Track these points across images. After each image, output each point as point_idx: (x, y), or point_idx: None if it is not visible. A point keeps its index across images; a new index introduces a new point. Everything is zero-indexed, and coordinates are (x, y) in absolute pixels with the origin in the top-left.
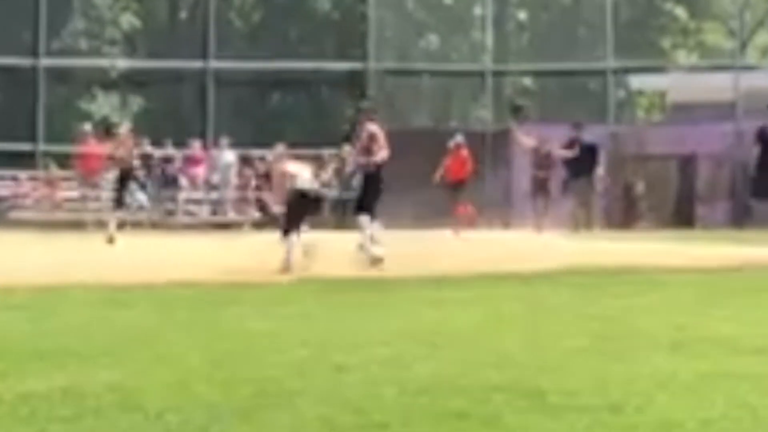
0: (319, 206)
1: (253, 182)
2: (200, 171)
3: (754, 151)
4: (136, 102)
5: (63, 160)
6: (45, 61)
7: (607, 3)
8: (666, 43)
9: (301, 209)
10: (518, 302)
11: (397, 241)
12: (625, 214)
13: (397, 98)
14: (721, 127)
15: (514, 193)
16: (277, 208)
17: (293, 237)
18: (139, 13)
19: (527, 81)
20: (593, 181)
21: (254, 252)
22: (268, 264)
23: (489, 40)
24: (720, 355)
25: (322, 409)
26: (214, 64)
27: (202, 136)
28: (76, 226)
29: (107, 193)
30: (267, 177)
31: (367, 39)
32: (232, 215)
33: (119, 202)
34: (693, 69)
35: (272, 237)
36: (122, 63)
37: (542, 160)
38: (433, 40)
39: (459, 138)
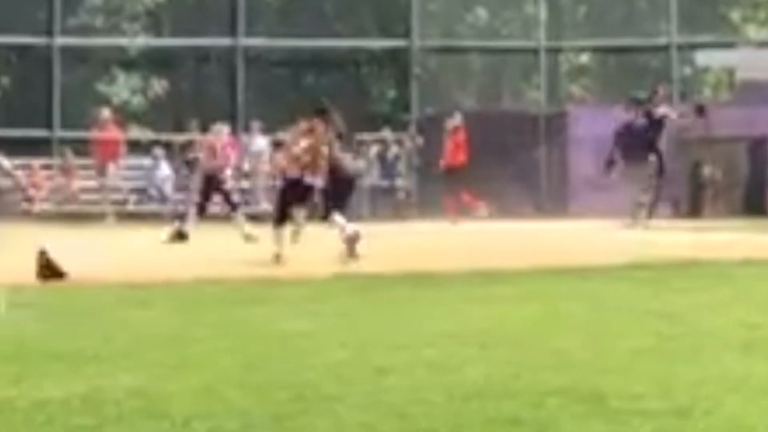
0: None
1: None
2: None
3: None
4: (159, 84)
5: (80, 147)
6: (60, 40)
7: None
8: (735, 16)
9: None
10: (576, 299)
11: (441, 234)
12: (690, 202)
13: (443, 78)
14: None
15: (572, 181)
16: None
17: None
18: None
19: (584, 58)
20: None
21: (288, 246)
22: (303, 258)
23: (542, 14)
24: None
25: (363, 416)
26: (243, 41)
27: (232, 120)
28: (94, 218)
29: (124, 183)
30: None
31: (410, 14)
32: (264, 205)
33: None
34: (764, 44)
35: (309, 229)
36: (144, 41)
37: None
38: (481, 14)
39: (457, 119)
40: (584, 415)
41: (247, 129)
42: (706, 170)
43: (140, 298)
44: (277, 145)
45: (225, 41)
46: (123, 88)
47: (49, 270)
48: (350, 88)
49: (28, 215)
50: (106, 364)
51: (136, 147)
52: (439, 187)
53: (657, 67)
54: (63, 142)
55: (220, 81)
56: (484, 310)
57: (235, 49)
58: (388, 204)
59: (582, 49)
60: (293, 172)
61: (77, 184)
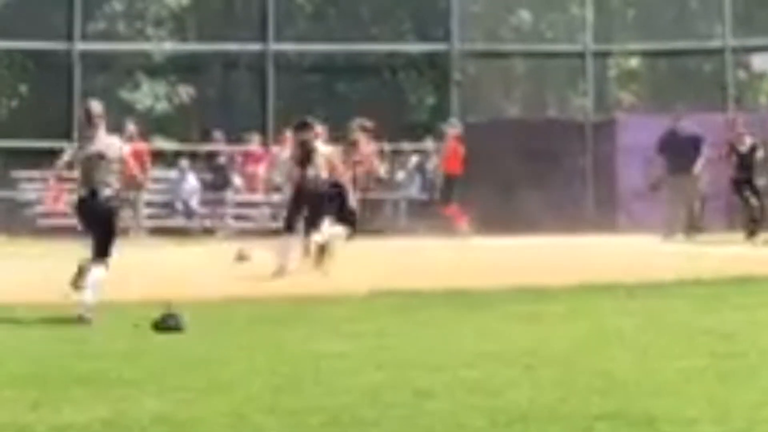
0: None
1: None
2: (259, 169)
3: None
4: (186, 91)
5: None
6: (81, 46)
7: None
8: None
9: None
10: (625, 317)
11: (484, 249)
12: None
13: (485, 84)
14: None
15: (621, 194)
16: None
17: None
18: None
19: (634, 63)
20: (694, 177)
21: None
22: (335, 276)
23: (589, 16)
24: None
25: None
26: (274, 46)
27: (262, 129)
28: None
29: (149, 196)
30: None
31: (450, 16)
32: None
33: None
34: None
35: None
36: (169, 46)
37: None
38: (525, 16)
39: (454, 125)
40: None
41: (278, 139)
42: (761, 181)
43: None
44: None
45: (254, 46)
46: (147, 95)
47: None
48: (387, 95)
49: (47, 230)
50: (129, 387)
51: (160, 157)
52: (480, 201)
53: (711, 72)
54: None
55: (249, 88)
56: (528, 329)
57: (266, 55)
58: (428, 218)
59: (631, 53)
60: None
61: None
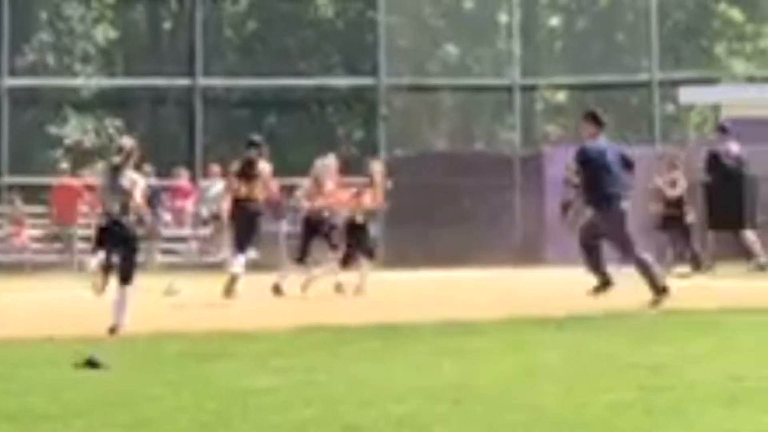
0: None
1: None
2: (187, 204)
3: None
4: (114, 125)
5: (30, 194)
6: (8, 81)
7: (651, 5)
8: (720, 50)
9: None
10: (553, 350)
11: (412, 282)
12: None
13: (413, 118)
14: None
15: (549, 226)
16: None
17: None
18: (115, 23)
19: (561, 96)
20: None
21: (249, 296)
22: (268, 309)
23: (516, 50)
24: None
25: None
26: (202, 81)
27: (190, 164)
28: (45, 268)
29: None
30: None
31: (378, 50)
32: (224, 254)
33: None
34: (751, 79)
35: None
36: (97, 81)
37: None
38: (452, 51)
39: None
40: None
41: (206, 173)
42: (690, 215)
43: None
44: None
45: (183, 81)
46: (75, 129)
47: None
48: (315, 130)
49: None
50: (56, 423)
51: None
52: (407, 234)
53: (638, 105)
54: (11, 188)
55: (177, 123)
56: (457, 363)
57: (194, 89)
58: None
59: (559, 87)
60: None
61: (27, 233)
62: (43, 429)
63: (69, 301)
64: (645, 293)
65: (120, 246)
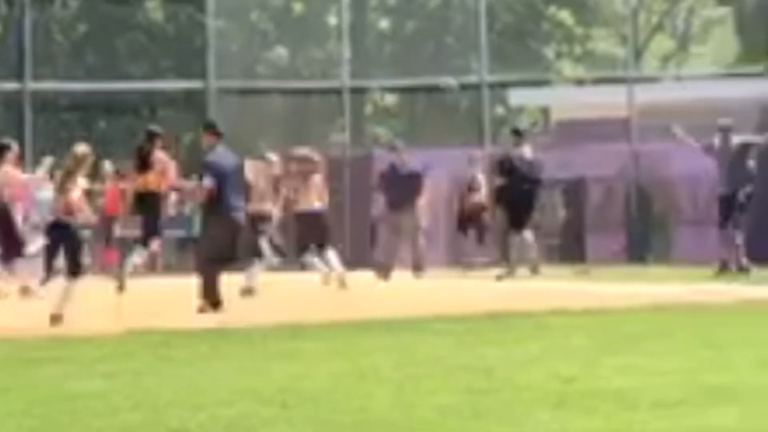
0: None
1: None
2: (17, 208)
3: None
4: None
5: None
6: None
7: (480, 7)
8: (549, 52)
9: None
10: (383, 354)
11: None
12: (502, 248)
13: (242, 121)
14: (614, 147)
15: (378, 229)
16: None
17: None
18: None
19: (390, 99)
20: (415, 213)
21: (78, 300)
22: (93, 314)
23: (346, 52)
24: (612, 410)
25: None
26: (31, 85)
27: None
28: None
29: None
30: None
31: (207, 53)
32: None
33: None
34: (580, 82)
35: (93, 281)
36: None
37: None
38: (281, 53)
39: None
40: None
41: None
42: (489, 217)
43: None
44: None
45: (11, 85)
46: None
47: None
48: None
49: None
50: None
51: None
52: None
53: (468, 107)
54: None
55: (5, 126)
56: (285, 366)
57: (22, 93)
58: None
59: (389, 89)
60: None
61: None
62: None
63: None
64: (472, 294)
65: None
